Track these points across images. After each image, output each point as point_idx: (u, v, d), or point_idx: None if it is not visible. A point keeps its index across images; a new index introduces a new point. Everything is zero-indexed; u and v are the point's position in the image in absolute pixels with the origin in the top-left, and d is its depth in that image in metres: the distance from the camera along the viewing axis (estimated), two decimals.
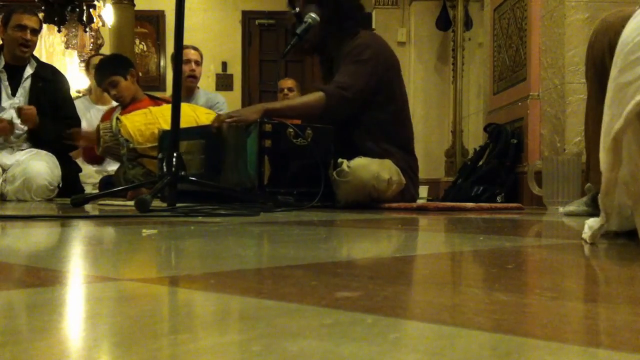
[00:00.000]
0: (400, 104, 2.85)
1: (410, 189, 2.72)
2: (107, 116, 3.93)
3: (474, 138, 5.70)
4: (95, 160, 4.09)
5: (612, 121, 0.92)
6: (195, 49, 4.28)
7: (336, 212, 2.22)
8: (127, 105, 3.71)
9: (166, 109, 2.98)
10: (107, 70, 3.73)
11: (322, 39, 2.78)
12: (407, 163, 2.75)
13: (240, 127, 2.48)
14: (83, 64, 7.26)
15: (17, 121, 3.59)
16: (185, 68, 4.04)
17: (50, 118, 3.70)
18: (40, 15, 4.97)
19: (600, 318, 0.48)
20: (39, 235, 1.24)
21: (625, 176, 0.93)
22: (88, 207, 2.37)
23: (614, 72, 0.98)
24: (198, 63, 4.26)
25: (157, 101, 3.78)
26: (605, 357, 0.36)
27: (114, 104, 4.38)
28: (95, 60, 4.54)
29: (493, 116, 4.20)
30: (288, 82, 5.29)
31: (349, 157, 2.51)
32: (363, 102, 2.68)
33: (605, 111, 0.97)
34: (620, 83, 0.95)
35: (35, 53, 3.95)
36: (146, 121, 3.16)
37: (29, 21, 3.65)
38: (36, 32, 3.70)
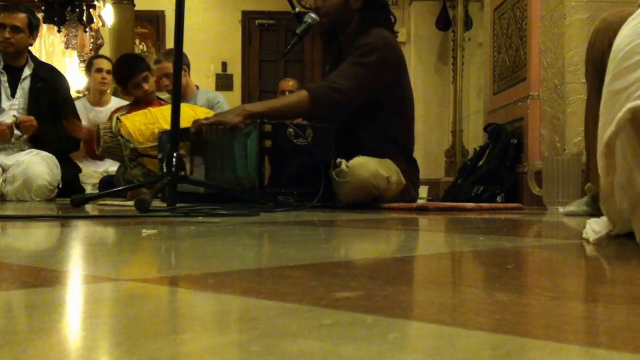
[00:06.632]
0: (406, 108, 2.81)
1: (410, 190, 2.70)
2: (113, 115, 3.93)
3: (474, 138, 5.70)
4: (97, 155, 4.08)
5: (604, 128, 0.92)
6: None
7: (336, 212, 2.21)
8: (140, 103, 3.72)
9: (166, 109, 2.98)
10: (141, 65, 3.81)
11: (343, 21, 2.72)
12: (408, 166, 2.73)
13: (223, 129, 2.45)
14: (83, 64, 7.25)
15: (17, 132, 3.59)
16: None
17: (50, 119, 3.69)
18: (40, 15, 4.96)
19: (600, 318, 0.48)
20: (39, 235, 1.24)
21: (621, 181, 0.93)
22: (88, 207, 2.37)
23: (607, 79, 0.98)
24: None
25: (163, 103, 3.79)
26: (605, 357, 0.36)
27: (113, 105, 4.37)
28: (101, 63, 4.52)
29: (493, 116, 4.20)
30: (289, 83, 5.12)
31: (350, 158, 2.49)
32: (362, 104, 2.62)
33: (600, 118, 0.98)
34: (612, 90, 0.95)
35: (35, 53, 3.94)
36: (146, 121, 3.16)
37: (8, 19, 3.63)
38: (18, 29, 3.63)
